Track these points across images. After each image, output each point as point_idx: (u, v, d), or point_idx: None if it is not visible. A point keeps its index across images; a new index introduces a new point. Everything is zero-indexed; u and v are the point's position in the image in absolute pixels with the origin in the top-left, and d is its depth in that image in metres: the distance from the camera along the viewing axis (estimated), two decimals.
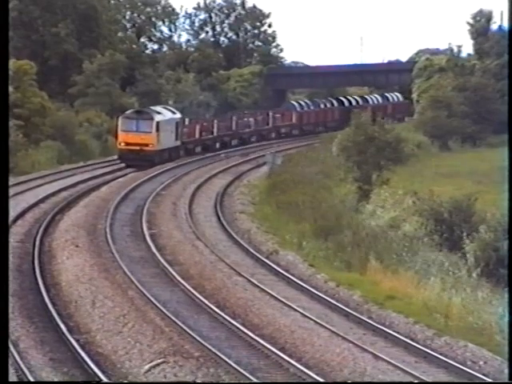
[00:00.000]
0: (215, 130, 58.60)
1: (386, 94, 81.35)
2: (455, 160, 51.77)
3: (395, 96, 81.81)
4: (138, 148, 48.67)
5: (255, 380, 17.08)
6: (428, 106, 66.09)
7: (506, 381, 16.56)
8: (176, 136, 52.12)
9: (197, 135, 56.41)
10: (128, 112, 51.44)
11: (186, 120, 55.75)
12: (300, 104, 72.12)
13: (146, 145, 49.09)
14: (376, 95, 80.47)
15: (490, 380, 17.82)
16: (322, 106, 74.36)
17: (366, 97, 79.53)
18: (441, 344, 20.27)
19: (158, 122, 49.56)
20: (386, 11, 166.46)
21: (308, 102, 74.19)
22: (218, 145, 59.00)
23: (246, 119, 63.25)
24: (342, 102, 76.00)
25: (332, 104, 75.43)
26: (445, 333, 20.67)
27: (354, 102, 75.93)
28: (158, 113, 51.13)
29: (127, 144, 48.94)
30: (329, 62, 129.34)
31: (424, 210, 31.44)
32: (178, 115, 53.55)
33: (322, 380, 17.27)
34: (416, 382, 17.38)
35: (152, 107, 53.72)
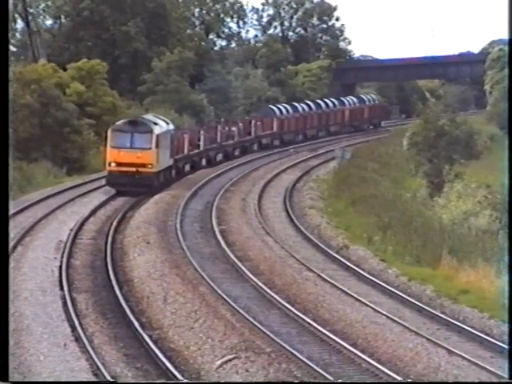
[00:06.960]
0: (201, 142, 47.32)
1: (363, 96, 77.95)
2: None
3: (371, 98, 78.32)
4: (133, 169, 37.58)
5: (330, 377, 16.98)
6: (501, 97, 64.97)
7: (506, 380, 16.23)
8: (171, 152, 40.98)
9: (186, 150, 44.47)
10: (119, 123, 39.20)
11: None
12: (280, 109, 62.17)
13: (144, 165, 37.73)
14: (352, 97, 76.29)
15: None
16: (301, 110, 64.98)
17: (343, 99, 74.69)
18: None
19: (157, 136, 38.22)
20: (458, 1, 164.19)
21: (287, 106, 63.79)
22: (204, 161, 48.04)
23: (228, 128, 52.62)
24: (319, 106, 69.38)
25: (310, 108, 67.73)
26: None
27: (330, 105, 70.96)
28: (155, 123, 39.69)
29: (119, 164, 37.53)
30: (398, 55, 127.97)
31: (498, 203, 30.94)
32: (171, 126, 42.11)
33: (396, 376, 17.08)
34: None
35: (145, 116, 42.47)
